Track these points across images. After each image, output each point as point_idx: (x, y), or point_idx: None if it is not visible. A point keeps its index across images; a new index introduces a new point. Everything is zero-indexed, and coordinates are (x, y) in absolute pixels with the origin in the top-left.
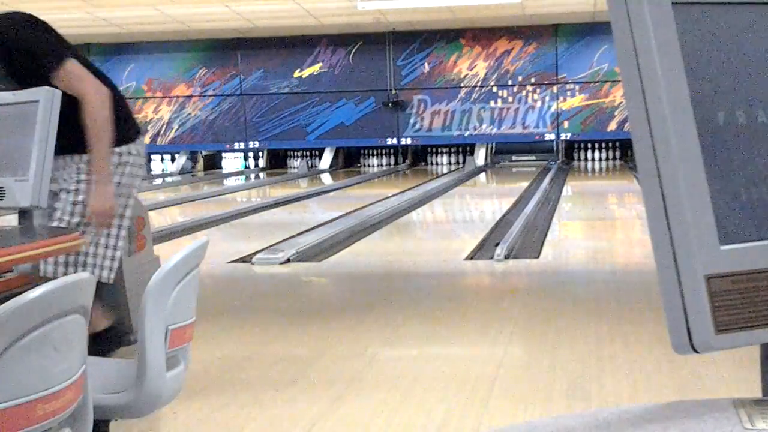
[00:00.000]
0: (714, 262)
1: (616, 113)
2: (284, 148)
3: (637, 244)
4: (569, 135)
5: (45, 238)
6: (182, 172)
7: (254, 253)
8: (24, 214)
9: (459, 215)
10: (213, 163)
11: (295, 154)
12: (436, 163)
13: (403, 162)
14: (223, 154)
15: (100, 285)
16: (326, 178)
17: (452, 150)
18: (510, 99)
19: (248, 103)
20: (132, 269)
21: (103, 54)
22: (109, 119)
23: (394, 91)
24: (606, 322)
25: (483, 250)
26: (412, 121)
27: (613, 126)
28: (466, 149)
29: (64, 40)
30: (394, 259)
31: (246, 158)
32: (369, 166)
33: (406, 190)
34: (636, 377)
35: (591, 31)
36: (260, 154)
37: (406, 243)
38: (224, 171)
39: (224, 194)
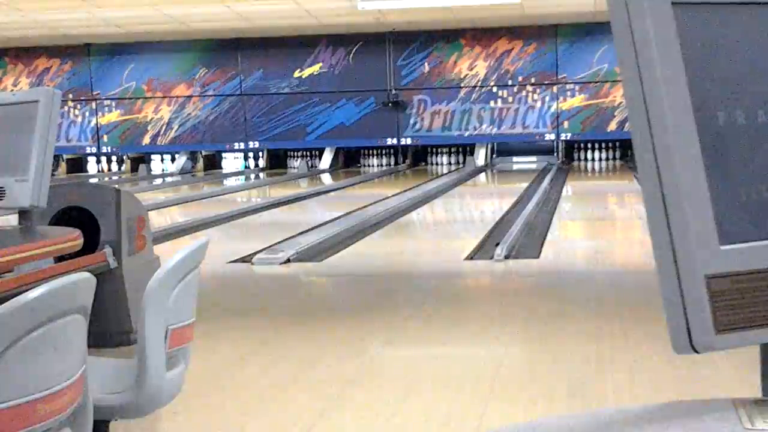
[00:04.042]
0: (714, 262)
1: (616, 113)
2: (284, 148)
3: (637, 244)
4: (569, 135)
5: (45, 239)
6: (182, 172)
7: (254, 253)
8: (24, 214)
9: (459, 215)
10: (213, 163)
11: (295, 154)
12: (436, 163)
13: (403, 162)
14: (223, 154)
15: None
16: (326, 178)
17: (452, 150)
18: (510, 99)
19: (248, 103)
20: (132, 269)
21: (103, 54)
22: None
23: (394, 91)
24: (606, 322)
25: (483, 250)
26: (412, 121)
27: (613, 126)
28: (466, 149)
29: None
30: (394, 259)
31: (246, 158)
32: (369, 166)
33: (406, 190)
34: (636, 377)
35: (591, 31)
36: (260, 154)
37: (406, 243)
38: (224, 171)
39: (224, 194)
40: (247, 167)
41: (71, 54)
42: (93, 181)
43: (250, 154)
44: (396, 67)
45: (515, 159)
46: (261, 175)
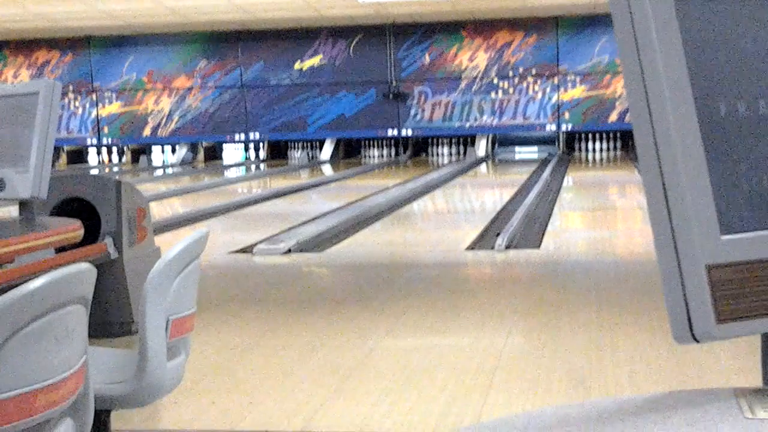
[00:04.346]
0: (715, 251)
1: (617, 104)
2: (285, 140)
3: (637, 234)
4: (570, 126)
5: (46, 230)
6: (183, 163)
7: (255, 244)
8: (25, 205)
9: (460, 206)
10: (214, 154)
11: (296, 145)
12: (437, 154)
13: (404, 153)
14: (224, 146)
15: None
16: (327, 169)
17: (453, 141)
18: (511, 90)
19: (249, 95)
20: (133, 260)
21: (103, 46)
22: None
23: (394, 83)
24: (607, 312)
25: (484, 240)
26: (413, 112)
27: (614, 117)
28: (467, 140)
29: None
30: (395, 249)
31: (246, 149)
32: (370, 157)
33: (406, 181)
34: (637, 367)
35: (592, 22)
36: (261, 145)
37: (406, 234)
38: (225, 162)
39: (225, 185)
40: (247, 158)
41: (72, 46)
42: (94, 172)
43: (251, 145)
44: (396, 58)
45: (516, 150)
46: (262, 166)
